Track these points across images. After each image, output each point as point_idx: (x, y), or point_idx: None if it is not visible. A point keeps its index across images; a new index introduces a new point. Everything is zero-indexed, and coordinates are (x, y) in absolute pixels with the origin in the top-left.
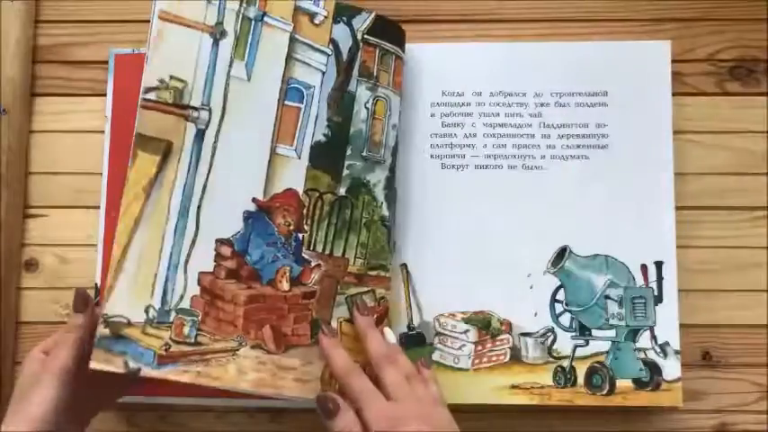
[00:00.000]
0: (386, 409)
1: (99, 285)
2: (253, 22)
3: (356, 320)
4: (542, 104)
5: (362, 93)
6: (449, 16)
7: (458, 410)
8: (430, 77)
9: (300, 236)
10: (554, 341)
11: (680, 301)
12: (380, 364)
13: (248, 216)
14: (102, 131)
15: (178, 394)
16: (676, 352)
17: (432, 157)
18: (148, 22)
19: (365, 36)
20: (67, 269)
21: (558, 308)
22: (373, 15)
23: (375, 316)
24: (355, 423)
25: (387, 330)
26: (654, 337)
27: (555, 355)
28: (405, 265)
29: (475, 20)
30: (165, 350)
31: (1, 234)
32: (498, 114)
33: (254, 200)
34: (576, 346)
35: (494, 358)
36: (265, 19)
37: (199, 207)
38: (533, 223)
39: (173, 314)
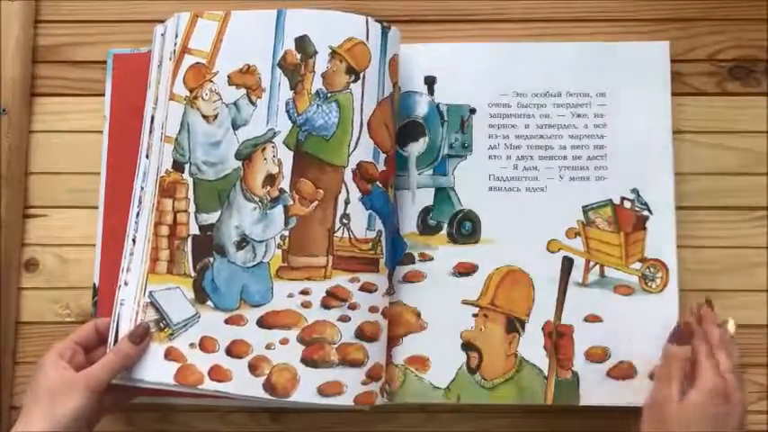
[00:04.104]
0: (720, 379)
1: (98, 286)
2: None
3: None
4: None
5: None
6: (447, 16)
7: (459, 410)
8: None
9: None
10: None
11: (680, 300)
12: (717, 346)
13: None
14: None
15: (178, 395)
16: None
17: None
18: (148, 22)
19: None
20: (67, 269)
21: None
22: None
23: None
24: (686, 363)
25: (731, 322)
26: None
27: None
28: None
29: (474, 20)
30: None
31: (1, 234)
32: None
33: None
34: None
35: None
36: None
37: None
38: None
39: None
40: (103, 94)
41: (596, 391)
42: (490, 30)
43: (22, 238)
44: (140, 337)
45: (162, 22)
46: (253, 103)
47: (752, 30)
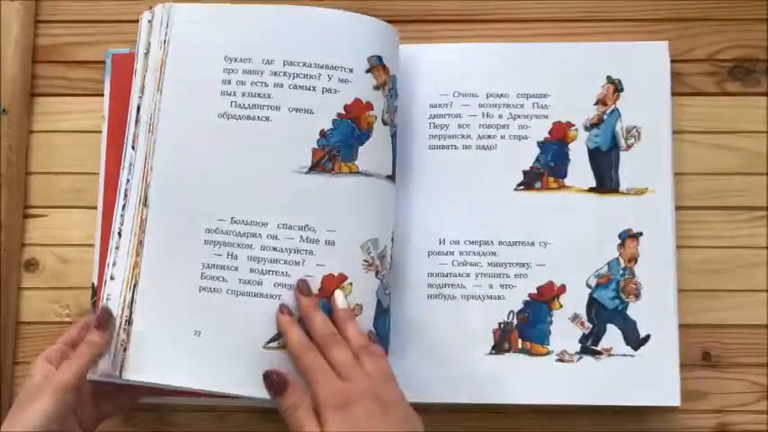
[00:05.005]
0: (336, 387)
1: (96, 285)
2: None
3: (299, 302)
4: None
5: None
6: (447, 16)
7: (458, 410)
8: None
9: None
10: None
11: (680, 301)
12: (326, 345)
13: None
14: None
15: (177, 394)
16: None
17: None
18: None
19: None
20: (67, 269)
21: None
22: None
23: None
24: (304, 400)
25: (337, 293)
26: None
27: None
28: None
29: (473, 20)
30: None
31: (1, 234)
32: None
33: None
34: None
35: None
36: None
37: None
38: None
39: None
40: (103, 94)
41: None
42: (490, 30)
43: (22, 238)
44: (105, 321)
45: None
46: None
47: (752, 30)
